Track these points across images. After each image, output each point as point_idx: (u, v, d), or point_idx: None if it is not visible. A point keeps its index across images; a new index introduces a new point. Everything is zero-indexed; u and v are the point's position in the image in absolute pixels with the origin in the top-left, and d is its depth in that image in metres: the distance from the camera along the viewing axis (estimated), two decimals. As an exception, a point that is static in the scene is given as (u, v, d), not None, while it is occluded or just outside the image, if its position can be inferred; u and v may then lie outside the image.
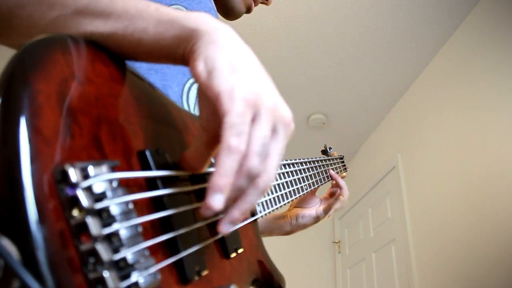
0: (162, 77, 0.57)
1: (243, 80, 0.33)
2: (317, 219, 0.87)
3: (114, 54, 0.37)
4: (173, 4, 0.61)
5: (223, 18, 0.83)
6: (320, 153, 1.12)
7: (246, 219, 0.52)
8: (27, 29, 0.36)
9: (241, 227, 0.49)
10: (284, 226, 0.87)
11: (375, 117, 3.18)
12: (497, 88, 1.96)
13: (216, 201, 0.31)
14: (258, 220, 0.86)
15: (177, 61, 0.38)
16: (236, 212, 0.34)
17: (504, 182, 1.79)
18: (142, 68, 0.56)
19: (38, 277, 0.22)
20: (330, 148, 1.13)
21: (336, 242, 3.75)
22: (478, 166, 1.99)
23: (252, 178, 0.33)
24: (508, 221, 1.73)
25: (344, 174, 1.14)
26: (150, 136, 0.36)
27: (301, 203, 0.90)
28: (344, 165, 1.15)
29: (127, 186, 0.31)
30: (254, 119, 0.33)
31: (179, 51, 0.37)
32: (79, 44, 0.32)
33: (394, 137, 2.98)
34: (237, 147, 0.31)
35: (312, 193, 0.91)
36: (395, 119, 3.01)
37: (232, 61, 0.34)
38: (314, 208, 0.89)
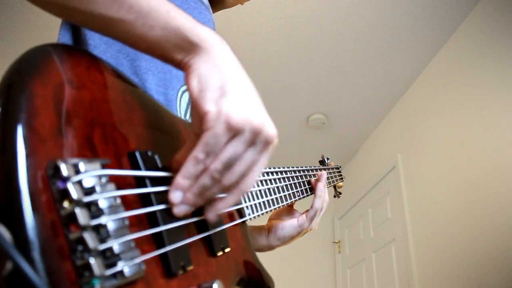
0: (158, 81, 0.58)
1: (232, 104, 0.37)
2: (300, 228, 0.78)
3: (109, 64, 0.40)
4: None
5: (219, 18, 0.83)
6: (319, 156, 1.13)
7: (233, 220, 0.54)
8: None
9: (228, 228, 0.51)
10: (259, 240, 0.78)
11: (375, 117, 3.18)
12: (497, 88, 1.96)
13: (176, 195, 0.37)
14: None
15: (173, 64, 0.41)
16: (198, 200, 0.39)
17: (504, 182, 1.80)
18: (141, 68, 0.56)
19: (30, 261, 0.24)
20: (327, 158, 1.14)
21: (336, 242, 3.75)
22: (478, 166, 1.99)
23: (215, 179, 0.38)
24: (508, 221, 1.73)
25: (341, 183, 1.13)
26: (141, 140, 0.39)
27: (279, 215, 0.83)
28: (341, 175, 1.15)
29: (117, 183, 0.33)
30: (233, 137, 0.37)
31: (177, 58, 0.40)
32: (76, 53, 0.35)
33: (394, 137, 2.98)
34: (203, 160, 0.37)
35: (290, 205, 0.84)
36: (395, 119, 3.01)
37: (223, 84, 0.38)
38: (295, 218, 0.80)
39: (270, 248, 0.79)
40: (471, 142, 2.08)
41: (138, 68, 0.57)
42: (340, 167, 1.17)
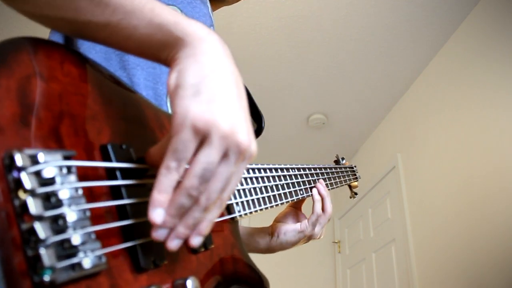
0: (147, 75, 0.58)
1: (201, 105, 0.34)
2: (302, 234, 0.76)
3: (89, 58, 0.40)
4: (170, 5, 0.61)
5: (220, 14, 0.82)
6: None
7: (220, 216, 0.52)
8: None
9: (213, 224, 0.49)
10: (261, 242, 0.76)
11: (375, 117, 3.18)
12: (497, 88, 1.96)
13: (156, 214, 0.34)
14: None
15: (161, 62, 0.40)
16: (181, 228, 0.36)
17: (504, 182, 1.79)
18: (130, 63, 0.56)
19: None
20: (342, 158, 1.11)
21: (336, 242, 3.75)
22: (478, 166, 1.99)
23: (192, 197, 0.35)
24: (508, 221, 1.73)
25: (355, 183, 1.09)
26: (117, 133, 0.39)
27: (285, 218, 0.81)
28: (355, 175, 1.09)
29: (86, 175, 0.33)
30: (203, 143, 0.34)
31: (164, 54, 0.39)
32: (51, 47, 0.35)
33: (394, 137, 2.98)
34: (175, 168, 0.34)
35: (298, 208, 0.82)
36: (395, 119, 3.01)
37: (200, 82, 0.35)
38: (298, 223, 0.77)
39: (270, 251, 0.78)
40: (471, 142, 2.08)
41: (126, 63, 0.57)
42: (355, 166, 1.14)
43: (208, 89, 0.35)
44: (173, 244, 0.36)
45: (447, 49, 2.43)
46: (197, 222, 0.36)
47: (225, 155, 0.35)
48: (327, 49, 2.52)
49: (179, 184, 0.35)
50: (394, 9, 2.23)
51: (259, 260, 0.76)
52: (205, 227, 0.37)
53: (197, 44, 0.37)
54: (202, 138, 0.34)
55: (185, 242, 0.43)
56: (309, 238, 0.77)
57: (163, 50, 0.39)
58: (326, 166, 0.91)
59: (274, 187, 0.69)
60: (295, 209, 0.82)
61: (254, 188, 0.63)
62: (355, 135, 3.43)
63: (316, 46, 2.50)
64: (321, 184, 0.82)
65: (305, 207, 0.84)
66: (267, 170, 0.69)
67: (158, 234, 0.35)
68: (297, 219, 0.81)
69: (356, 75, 2.73)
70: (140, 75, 0.57)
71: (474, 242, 1.91)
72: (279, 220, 0.81)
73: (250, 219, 3.70)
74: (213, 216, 0.38)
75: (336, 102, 3.00)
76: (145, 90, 0.57)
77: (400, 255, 2.60)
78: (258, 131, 0.75)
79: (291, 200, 0.74)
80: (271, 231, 0.78)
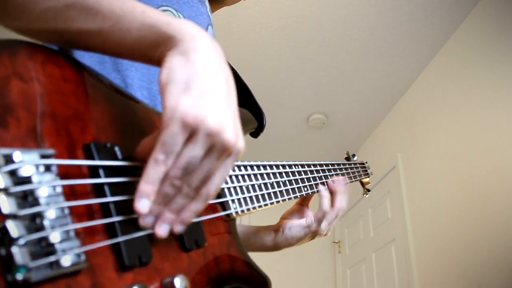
0: (142, 76, 0.58)
1: (191, 100, 0.34)
2: (307, 229, 0.74)
3: (73, 58, 0.39)
4: (163, 6, 0.61)
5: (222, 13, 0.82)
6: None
7: (214, 212, 0.51)
8: (21, 14, 0.38)
9: (206, 221, 0.49)
10: (266, 239, 0.76)
11: (375, 117, 3.18)
12: (497, 88, 1.95)
13: (141, 205, 0.35)
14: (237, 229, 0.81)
15: (154, 63, 0.40)
16: (167, 213, 0.37)
17: (504, 182, 1.79)
18: (123, 64, 0.56)
19: None
20: (353, 155, 1.07)
21: (336, 242, 3.75)
22: (478, 166, 1.98)
23: (175, 186, 0.36)
24: (508, 221, 1.73)
25: (367, 179, 1.06)
26: (102, 132, 0.38)
27: (291, 215, 0.79)
28: (366, 171, 1.04)
29: (67, 174, 0.33)
30: (190, 139, 0.35)
31: (156, 54, 0.39)
32: (33, 48, 0.35)
33: (394, 137, 2.98)
34: (163, 161, 0.35)
35: (305, 205, 0.81)
36: (395, 119, 3.01)
37: (190, 78, 0.35)
38: (304, 219, 0.76)
39: (276, 248, 0.76)
40: (471, 142, 2.08)
41: (120, 65, 0.57)
42: (366, 162, 1.11)
43: (198, 86, 0.35)
44: (161, 230, 0.37)
45: (447, 49, 2.43)
46: (181, 207, 0.38)
47: (209, 151, 0.36)
48: (327, 49, 2.52)
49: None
50: (394, 9, 2.23)
51: (259, 260, 0.75)
52: (189, 216, 0.38)
53: (189, 42, 0.37)
54: (191, 133, 0.35)
55: (176, 240, 0.42)
56: (315, 234, 0.76)
57: (155, 50, 0.39)
58: (334, 162, 0.88)
59: (275, 183, 0.67)
60: (302, 206, 0.81)
61: (253, 185, 0.61)
62: (355, 135, 3.43)
63: (316, 46, 2.50)
64: (334, 180, 0.80)
65: (314, 205, 0.82)
66: (267, 167, 0.67)
67: (145, 221, 0.36)
68: (304, 216, 0.79)
69: (356, 75, 2.73)
70: (134, 76, 0.57)
71: (474, 242, 1.91)
72: (285, 217, 0.80)
73: (250, 218, 3.70)
74: (197, 207, 0.39)
75: (336, 102, 3.00)
76: (139, 90, 0.57)
77: (400, 255, 2.60)
78: (259, 128, 0.74)
79: (294, 197, 0.72)
80: (276, 227, 0.77)
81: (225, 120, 0.36)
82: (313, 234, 0.76)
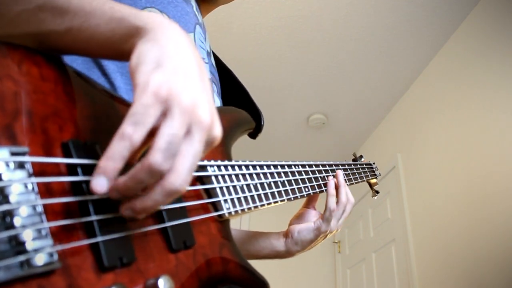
0: (127, 80, 0.57)
1: (162, 76, 0.33)
2: (317, 231, 0.74)
3: (54, 58, 0.39)
4: (147, 7, 0.60)
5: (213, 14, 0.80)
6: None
7: (206, 213, 0.49)
8: None
9: (197, 222, 0.47)
10: (277, 245, 0.75)
11: (375, 117, 3.18)
12: (497, 88, 1.95)
13: (98, 184, 0.31)
14: (238, 236, 0.78)
15: (124, 56, 0.39)
16: (138, 203, 0.34)
17: (504, 182, 1.79)
18: (109, 68, 0.56)
19: None
20: (361, 156, 1.06)
21: (336, 242, 3.75)
22: (478, 166, 1.98)
23: (155, 174, 0.32)
24: (508, 221, 1.73)
25: (374, 180, 1.05)
26: (82, 131, 0.38)
27: (299, 219, 0.79)
28: (373, 172, 1.03)
29: (43, 172, 0.32)
30: (165, 115, 0.33)
31: (127, 47, 0.38)
32: (9, 47, 0.35)
33: (394, 137, 2.98)
34: (130, 135, 0.31)
35: (311, 208, 0.81)
36: (395, 119, 3.01)
37: (161, 57, 0.35)
38: (312, 221, 0.76)
39: (289, 254, 0.75)
40: (471, 142, 2.08)
41: (106, 68, 0.56)
42: (373, 163, 1.10)
43: (168, 64, 0.35)
44: (125, 213, 0.35)
45: (447, 49, 2.43)
46: (155, 204, 0.34)
47: (188, 131, 0.34)
48: (327, 49, 2.52)
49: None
50: (394, 9, 2.23)
51: (259, 260, 0.75)
52: (138, 205, 0.34)
53: (158, 30, 0.37)
54: (164, 110, 0.33)
55: (163, 240, 0.41)
56: (326, 233, 0.75)
57: (125, 42, 0.38)
58: (338, 162, 0.87)
59: (272, 184, 0.64)
60: (308, 209, 0.81)
61: (248, 185, 0.58)
62: (355, 135, 3.42)
63: (316, 46, 2.50)
64: (336, 176, 0.80)
65: (320, 207, 0.81)
66: (264, 167, 0.65)
67: (97, 184, 0.32)
68: (311, 218, 0.79)
69: (356, 75, 2.73)
70: (120, 80, 0.56)
71: (474, 242, 1.91)
72: (292, 222, 0.80)
73: (250, 220, 3.70)
74: (152, 202, 0.34)
75: (336, 102, 3.00)
76: (126, 94, 0.56)
77: (400, 255, 2.60)
78: (257, 129, 0.73)
79: (294, 198, 0.69)
80: (285, 233, 0.76)
81: (199, 98, 0.35)
82: (325, 234, 0.75)
